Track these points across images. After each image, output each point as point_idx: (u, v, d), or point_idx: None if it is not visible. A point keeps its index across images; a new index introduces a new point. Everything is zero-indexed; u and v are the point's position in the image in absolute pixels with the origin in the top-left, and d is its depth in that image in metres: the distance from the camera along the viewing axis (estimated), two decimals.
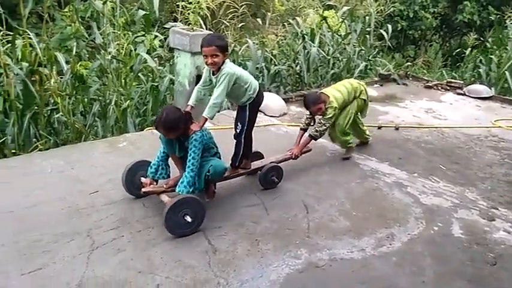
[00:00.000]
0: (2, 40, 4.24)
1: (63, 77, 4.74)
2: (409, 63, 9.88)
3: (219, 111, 4.28)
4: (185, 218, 2.84)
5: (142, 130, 5.05)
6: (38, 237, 2.79)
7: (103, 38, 5.00)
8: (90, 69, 5.10)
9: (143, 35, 6.01)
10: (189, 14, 4.75)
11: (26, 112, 4.33)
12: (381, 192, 3.77)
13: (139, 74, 5.58)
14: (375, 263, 2.82)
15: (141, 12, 5.59)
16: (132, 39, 5.45)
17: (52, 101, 4.62)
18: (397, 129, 5.52)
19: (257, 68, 6.74)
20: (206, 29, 5.50)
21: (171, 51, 6.69)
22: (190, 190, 2.99)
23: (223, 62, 3.08)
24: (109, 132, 4.96)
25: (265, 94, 5.98)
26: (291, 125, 5.35)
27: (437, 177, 4.18)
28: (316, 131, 3.95)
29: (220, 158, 3.29)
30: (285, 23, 9.34)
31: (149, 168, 3.20)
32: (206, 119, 3.09)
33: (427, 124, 5.81)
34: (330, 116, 3.96)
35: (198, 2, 4.67)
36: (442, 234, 3.20)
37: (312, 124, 4.10)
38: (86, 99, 5.13)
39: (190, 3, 4.71)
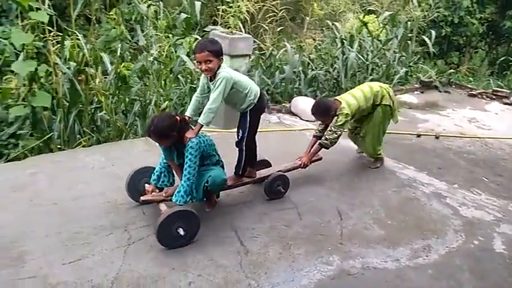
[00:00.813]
0: (52, 40, 4.46)
1: (107, 77, 4.92)
2: (452, 71, 9.54)
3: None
4: (178, 231, 2.74)
5: None
6: (79, 229, 2.91)
7: (146, 40, 5.16)
8: (132, 70, 5.27)
9: (183, 38, 6.15)
10: (229, 17, 4.81)
11: (72, 110, 4.53)
12: (418, 202, 3.66)
13: (179, 76, 5.71)
14: (409, 275, 2.75)
15: (183, 16, 5.73)
16: (173, 41, 5.60)
17: (96, 100, 4.81)
18: (437, 138, 5.35)
19: (294, 72, 6.73)
20: (245, 33, 5.57)
21: None
22: (188, 199, 2.89)
23: (219, 67, 2.95)
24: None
25: (302, 99, 6.06)
26: None
27: (479, 189, 4.02)
28: (327, 139, 3.68)
29: (223, 166, 3.16)
30: (323, 28, 9.29)
31: (152, 175, 3.13)
32: (202, 126, 2.95)
33: (469, 134, 5.60)
34: (341, 123, 3.67)
35: (239, 6, 4.72)
36: (483, 249, 3.07)
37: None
38: (127, 99, 5.30)
39: (231, 7, 4.78)
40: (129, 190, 3.21)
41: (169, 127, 2.85)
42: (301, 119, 5.60)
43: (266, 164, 3.71)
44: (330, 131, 3.69)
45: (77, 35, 4.59)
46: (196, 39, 6.16)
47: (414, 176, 4.14)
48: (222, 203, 3.38)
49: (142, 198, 3.05)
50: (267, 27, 7.19)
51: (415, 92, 7.52)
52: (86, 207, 3.18)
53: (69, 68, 4.57)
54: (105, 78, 4.92)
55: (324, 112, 3.77)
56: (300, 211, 3.38)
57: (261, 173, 3.54)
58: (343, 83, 7.11)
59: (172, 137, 2.87)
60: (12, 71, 5.52)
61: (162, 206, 2.95)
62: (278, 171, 3.55)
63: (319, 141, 3.75)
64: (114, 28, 6.28)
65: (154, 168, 3.15)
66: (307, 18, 8.05)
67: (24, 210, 3.08)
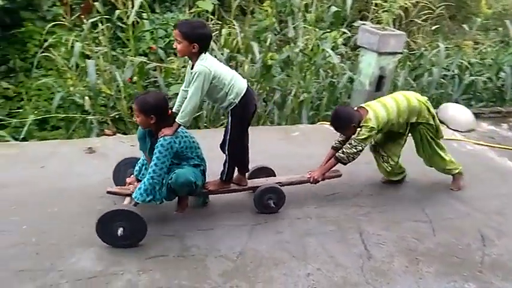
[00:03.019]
0: (212, 28, 4.89)
1: (255, 64, 5.20)
2: None
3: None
4: (118, 230, 2.53)
5: (314, 123, 5.20)
6: (211, 201, 3.17)
7: (294, 32, 5.28)
8: (277, 60, 5.47)
9: (330, 32, 6.11)
10: (381, 12, 4.61)
11: None
12: None
13: (320, 69, 5.72)
14: None
15: (333, 9, 5.68)
16: (319, 34, 5.62)
17: None
18: None
19: (445, 75, 6.13)
20: (396, 29, 5.27)
21: (354, 50, 6.65)
22: (147, 199, 2.67)
23: (199, 57, 2.60)
24: (284, 120, 5.26)
25: (453, 105, 5.48)
26: (478, 144, 4.70)
27: None
28: (344, 152, 3.12)
29: (203, 171, 2.90)
30: (488, 29, 8.22)
31: (135, 166, 2.98)
32: (179, 125, 2.68)
33: None
34: (364, 137, 3.07)
35: (394, 1, 4.48)
36: None
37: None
38: (268, 88, 5.54)
39: (386, 1, 4.56)
40: (115, 180, 3.10)
41: (155, 106, 2.62)
42: (449, 127, 5.08)
43: (269, 172, 3.33)
44: (349, 144, 3.12)
45: (234, 24, 4.93)
46: (344, 33, 6.07)
47: None
48: (346, 202, 3.30)
49: (108, 189, 2.86)
50: (420, 25, 6.66)
51: None
52: None
53: (222, 54, 4.97)
54: (253, 66, 5.21)
55: (344, 123, 3.15)
56: (434, 226, 3.10)
57: (255, 182, 3.17)
58: (508, 94, 6.20)
59: (150, 119, 2.63)
60: (175, 54, 6.23)
61: (127, 200, 2.78)
62: (277, 182, 3.14)
63: (336, 154, 3.19)
64: (265, 19, 6.60)
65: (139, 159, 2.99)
66: (474, 17, 7.18)
67: None
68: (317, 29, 5.77)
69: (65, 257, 2.50)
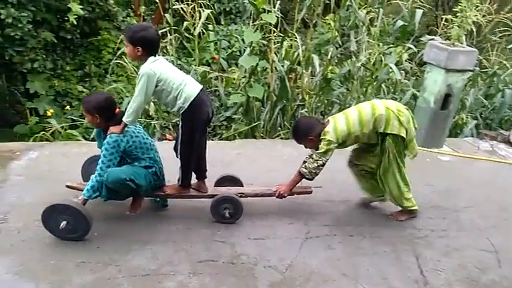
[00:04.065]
0: (274, 40, 4.96)
1: (314, 77, 5.19)
2: None
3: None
4: (61, 223, 2.60)
5: None
6: (265, 212, 3.18)
7: (357, 46, 5.21)
8: (337, 74, 5.42)
9: (395, 46, 5.95)
10: (452, 27, 4.40)
11: (278, 104, 4.98)
12: None
13: (382, 85, 5.58)
14: None
15: (400, 23, 5.53)
16: (383, 49, 5.49)
17: (300, 98, 5.16)
18: None
19: None
20: (467, 45, 5.00)
21: (419, 66, 6.40)
22: (93, 195, 2.70)
23: (148, 60, 2.63)
24: None
25: None
26: None
27: None
28: (306, 167, 2.97)
29: (157, 173, 2.91)
30: None
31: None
32: (125, 124, 2.70)
33: None
34: (322, 151, 2.90)
35: (467, 16, 4.26)
36: None
37: None
38: (326, 101, 5.49)
39: (457, 16, 4.35)
40: (83, 177, 3.18)
41: (97, 105, 2.73)
42: None
43: (236, 181, 3.25)
44: (311, 158, 2.97)
45: (295, 37, 4.97)
46: (409, 48, 5.88)
47: None
48: (403, 223, 3.15)
49: (67, 183, 3.00)
50: (495, 42, 6.27)
51: None
52: None
53: (283, 66, 5.02)
54: (312, 78, 5.20)
55: (302, 134, 2.99)
56: (500, 257, 2.86)
57: (218, 190, 3.11)
58: None
59: (95, 118, 2.75)
60: (236, 64, 6.40)
61: (79, 196, 2.79)
62: (239, 193, 3.05)
63: (299, 168, 3.03)
64: (328, 32, 6.57)
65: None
66: None
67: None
68: (381, 44, 5.65)
69: (122, 253, 2.63)
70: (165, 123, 5.27)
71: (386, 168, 3.02)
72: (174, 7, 5.12)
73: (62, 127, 5.14)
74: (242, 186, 3.26)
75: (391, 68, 5.16)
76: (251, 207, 3.23)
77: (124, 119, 2.69)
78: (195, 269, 2.55)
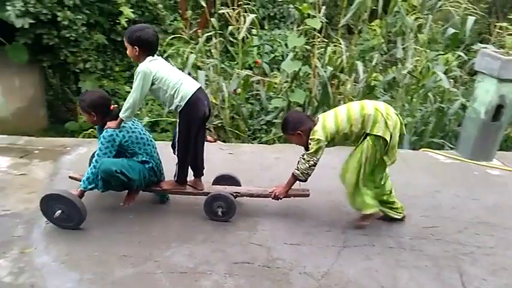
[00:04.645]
0: (317, 45, 4.94)
1: (357, 84, 5.11)
2: None
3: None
4: (56, 212, 2.73)
5: (415, 149, 4.90)
6: (302, 217, 3.17)
7: (404, 53, 5.08)
8: (382, 81, 5.31)
9: (444, 54, 5.75)
10: (506, 35, 4.19)
11: (319, 109, 4.94)
12: None
13: (429, 93, 5.40)
14: None
15: (450, 30, 5.33)
16: (431, 56, 5.31)
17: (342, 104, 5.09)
18: None
19: None
20: None
21: (470, 75, 6.15)
22: (89, 187, 2.82)
23: (146, 60, 2.73)
24: None
25: None
26: None
27: None
28: (298, 168, 2.92)
29: (154, 169, 2.99)
30: None
31: None
32: (122, 120, 2.81)
33: None
34: (313, 150, 2.84)
35: None
36: None
37: None
38: None
39: None
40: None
41: (91, 103, 2.85)
42: None
43: (234, 181, 3.26)
44: (302, 158, 2.91)
45: (340, 43, 4.92)
46: (459, 56, 5.67)
47: None
48: (447, 238, 3.03)
49: (69, 175, 3.16)
50: None
51: None
52: (313, 200, 3.38)
53: (325, 72, 4.98)
54: (355, 85, 5.12)
55: (289, 129, 2.94)
56: None
57: (214, 187, 3.15)
58: None
59: (92, 115, 2.88)
60: (278, 68, 6.42)
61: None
62: (235, 192, 3.06)
63: (293, 170, 2.96)
64: (373, 38, 6.46)
65: None
66: None
67: (265, 186, 3.55)
68: (428, 51, 5.48)
69: (162, 249, 2.71)
70: (206, 125, 5.36)
71: (353, 170, 2.90)
72: (220, 11, 5.22)
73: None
74: (239, 185, 3.27)
75: (439, 76, 4.99)
76: (288, 212, 3.23)
77: (120, 114, 2.80)
78: (231, 270, 2.57)
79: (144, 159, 2.96)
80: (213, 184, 3.26)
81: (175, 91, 2.75)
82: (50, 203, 2.76)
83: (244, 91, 5.59)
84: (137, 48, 2.74)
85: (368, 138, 2.82)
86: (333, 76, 5.02)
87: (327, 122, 2.88)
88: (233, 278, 2.51)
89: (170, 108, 2.89)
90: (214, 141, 4.89)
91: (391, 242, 2.95)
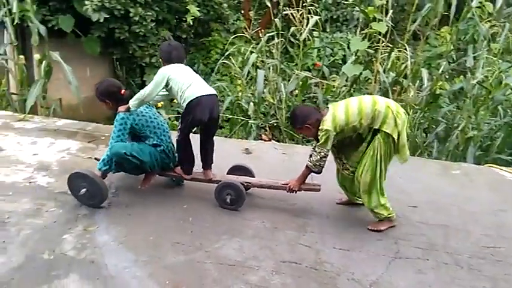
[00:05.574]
0: (381, 50, 4.82)
1: (421, 92, 4.92)
2: None
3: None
4: (81, 190, 2.93)
5: (480, 164, 4.63)
6: (352, 224, 3.11)
7: (474, 62, 4.81)
8: (448, 90, 5.06)
9: None
10: None
11: None
12: None
13: (499, 106, 5.07)
14: None
15: None
16: (504, 67, 4.99)
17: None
18: None
19: None
20: None
21: None
22: (103, 168, 3.04)
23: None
24: (444, 156, 4.82)
25: None
26: None
27: None
28: (311, 161, 2.95)
29: (165, 151, 3.14)
30: None
31: None
32: (129, 107, 3.02)
33: None
34: (322, 141, 2.85)
35: None
36: None
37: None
38: (432, 118, 5.16)
39: None
40: None
41: (103, 92, 3.07)
42: None
43: (247, 172, 3.35)
44: (314, 150, 2.94)
45: (405, 48, 4.76)
46: None
47: None
48: (509, 260, 2.83)
49: (95, 156, 3.49)
50: None
51: None
52: (365, 208, 3.28)
53: (387, 77, 4.84)
54: (419, 93, 4.93)
55: (297, 122, 2.96)
56: None
57: (226, 177, 3.28)
58: None
59: (107, 104, 3.09)
60: (337, 72, 6.34)
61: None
62: (246, 182, 3.18)
63: (307, 162, 2.99)
64: (441, 46, 6.18)
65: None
66: None
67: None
68: (501, 61, 5.15)
69: (212, 241, 2.78)
70: (262, 124, 5.43)
71: (368, 168, 2.89)
72: (284, 13, 5.25)
73: (169, 118, 5.58)
74: (253, 176, 3.34)
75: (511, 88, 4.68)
76: (338, 216, 3.19)
77: (130, 102, 3.04)
78: (278, 268, 2.59)
79: (155, 142, 3.15)
80: (227, 174, 3.38)
81: (182, 93, 3.01)
82: (77, 181, 2.98)
83: (302, 93, 5.58)
84: (161, 60, 3.23)
85: (378, 135, 2.83)
86: (395, 82, 4.87)
87: (337, 113, 2.87)
88: (280, 276, 2.52)
89: (181, 106, 3.12)
90: (269, 140, 4.93)
91: (447, 258, 2.81)
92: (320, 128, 2.87)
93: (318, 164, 2.93)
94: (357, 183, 3.01)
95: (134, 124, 3.06)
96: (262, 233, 2.92)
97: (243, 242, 2.80)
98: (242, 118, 5.48)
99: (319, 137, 2.89)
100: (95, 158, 3.46)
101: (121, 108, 3.05)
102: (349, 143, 3.03)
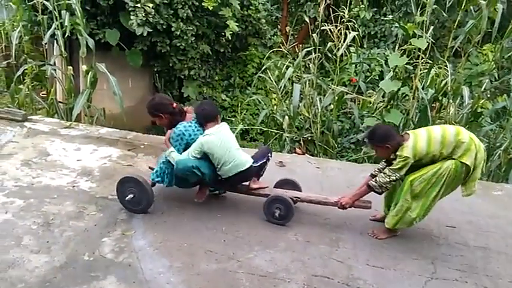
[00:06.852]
0: (420, 67, 4.75)
1: (461, 110, 4.79)
2: None
3: None
4: (128, 195, 3.04)
5: None
6: (387, 242, 3.05)
7: None
8: (490, 109, 4.90)
9: None
10: None
11: None
12: None
13: None
14: None
15: None
16: None
17: None
18: None
19: None
20: None
21: None
22: (156, 179, 3.17)
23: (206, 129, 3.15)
24: (485, 176, 4.65)
25: None
26: None
27: None
28: (377, 181, 2.92)
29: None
30: None
31: None
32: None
33: None
34: (398, 167, 2.83)
35: None
36: None
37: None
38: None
39: None
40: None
41: (157, 107, 3.13)
42: None
43: (295, 186, 3.33)
44: (384, 173, 2.92)
45: (446, 65, 4.67)
46: None
47: None
48: None
49: (149, 165, 3.61)
50: None
51: None
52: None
53: (426, 94, 4.75)
54: (459, 111, 4.81)
55: (377, 140, 2.92)
56: None
57: (275, 191, 3.24)
58: None
59: (160, 117, 3.14)
60: (373, 88, 6.29)
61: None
62: (295, 197, 3.14)
63: (369, 182, 2.98)
64: (483, 63, 6.01)
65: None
66: None
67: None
68: None
69: (245, 251, 2.81)
70: (296, 137, 5.44)
71: (425, 179, 2.85)
72: (322, 28, 5.29)
73: None
74: (300, 191, 3.31)
75: None
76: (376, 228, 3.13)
77: (168, 150, 3.13)
78: (310, 281, 2.57)
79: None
80: (275, 187, 3.35)
81: (218, 167, 3.11)
82: (126, 185, 3.09)
83: (337, 108, 5.56)
84: (208, 125, 3.22)
85: (452, 161, 2.80)
86: (434, 99, 4.77)
87: (419, 141, 2.83)
88: None
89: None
90: (303, 154, 4.93)
91: (487, 282, 2.69)
92: (399, 153, 2.85)
93: (384, 186, 2.92)
94: (400, 187, 2.97)
95: (190, 139, 3.12)
96: (295, 246, 2.92)
97: (275, 254, 2.81)
98: (276, 131, 5.52)
99: (394, 161, 2.88)
100: (149, 167, 3.57)
101: (170, 132, 3.18)
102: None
